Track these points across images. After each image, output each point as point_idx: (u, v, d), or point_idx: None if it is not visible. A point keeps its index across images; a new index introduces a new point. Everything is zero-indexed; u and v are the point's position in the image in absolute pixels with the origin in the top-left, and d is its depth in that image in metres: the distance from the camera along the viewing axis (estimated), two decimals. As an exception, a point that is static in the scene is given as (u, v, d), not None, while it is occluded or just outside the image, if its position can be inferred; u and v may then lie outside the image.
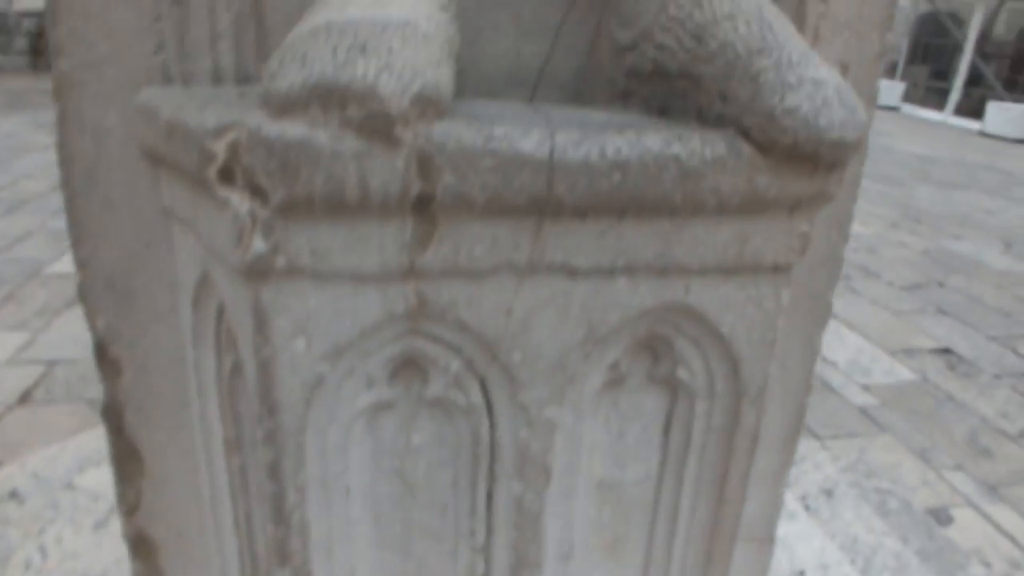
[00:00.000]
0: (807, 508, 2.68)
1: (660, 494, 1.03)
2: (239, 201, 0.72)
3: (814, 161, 0.77)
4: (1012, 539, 2.62)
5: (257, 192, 0.70)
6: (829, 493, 2.79)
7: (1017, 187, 8.08)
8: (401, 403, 0.89)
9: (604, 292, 0.82)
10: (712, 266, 0.84)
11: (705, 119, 0.81)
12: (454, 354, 0.85)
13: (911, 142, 9.98)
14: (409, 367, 0.87)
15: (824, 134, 0.74)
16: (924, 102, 11.43)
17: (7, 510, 2.25)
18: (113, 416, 1.13)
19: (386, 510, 0.93)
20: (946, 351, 4.31)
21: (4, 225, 5.00)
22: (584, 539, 1.03)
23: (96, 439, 2.54)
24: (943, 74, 11.39)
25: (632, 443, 1.00)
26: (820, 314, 1.26)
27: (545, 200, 0.73)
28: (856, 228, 5.76)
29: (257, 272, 0.74)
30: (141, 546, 1.18)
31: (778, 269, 0.86)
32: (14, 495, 2.31)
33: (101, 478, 2.39)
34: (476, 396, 0.87)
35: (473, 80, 1.05)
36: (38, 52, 11.36)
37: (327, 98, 0.65)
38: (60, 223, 4.72)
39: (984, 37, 10.86)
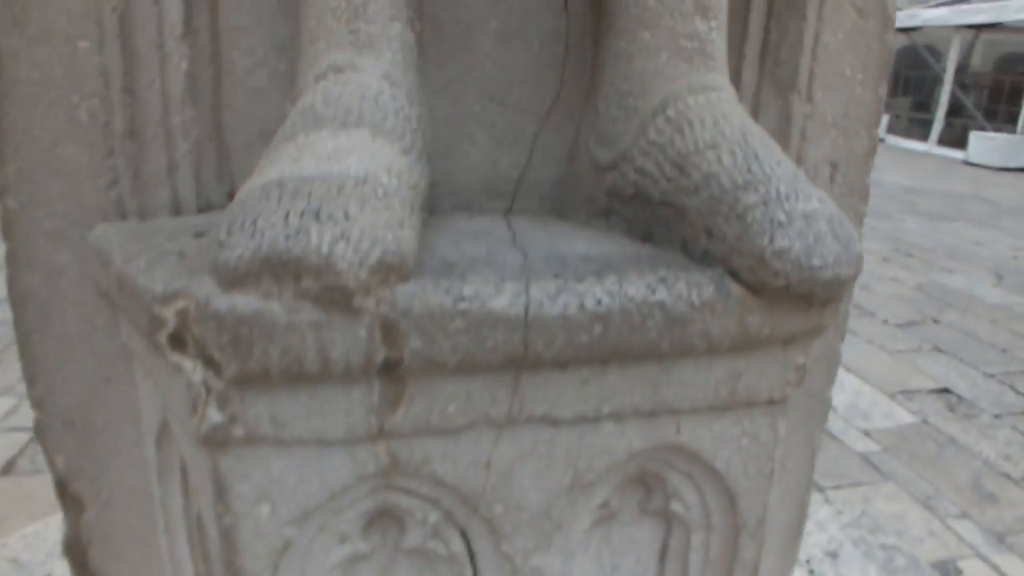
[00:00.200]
0: (812, 573, 2.60)
1: (659, 627, 0.96)
2: (192, 368, 0.66)
3: (808, 300, 0.72)
4: (1021, 591, 2.55)
5: (210, 363, 0.65)
6: (834, 555, 2.71)
7: (1004, 217, 8.11)
8: (378, 553, 0.83)
9: (589, 438, 0.77)
10: (704, 406, 0.79)
11: (691, 253, 0.77)
12: (431, 506, 0.79)
13: (898, 173, 10.02)
14: (384, 516, 0.81)
15: (818, 274, 0.69)
16: (908, 133, 11.54)
17: (-15, 598, 2.16)
18: (76, 552, 1.06)
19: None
20: (945, 391, 4.26)
21: (-13, 290, 4.93)
22: None
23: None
24: (924, 105, 11.53)
25: (626, 575, 0.94)
26: (819, 412, 1.20)
27: (522, 357, 0.68)
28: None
29: (214, 442, 0.68)
30: None
31: (774, 402, 0.81)
32: (-8, 584, 2.22)
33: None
34: (457, 546, 0.82)
35: (449, 192, 1.00)
36: None
37: (280, 270, 0.60)
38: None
39: (962, 69, 11.02)
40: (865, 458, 3.44)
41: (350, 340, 0.64)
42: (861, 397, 4.08)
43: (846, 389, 4.11)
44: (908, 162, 10.61)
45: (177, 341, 0.66)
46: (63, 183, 0.85)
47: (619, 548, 0.92)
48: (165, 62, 0.85)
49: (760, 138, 0.77)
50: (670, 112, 0.79)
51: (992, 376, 4.42)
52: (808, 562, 2.67)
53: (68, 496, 1.02)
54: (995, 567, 2.69)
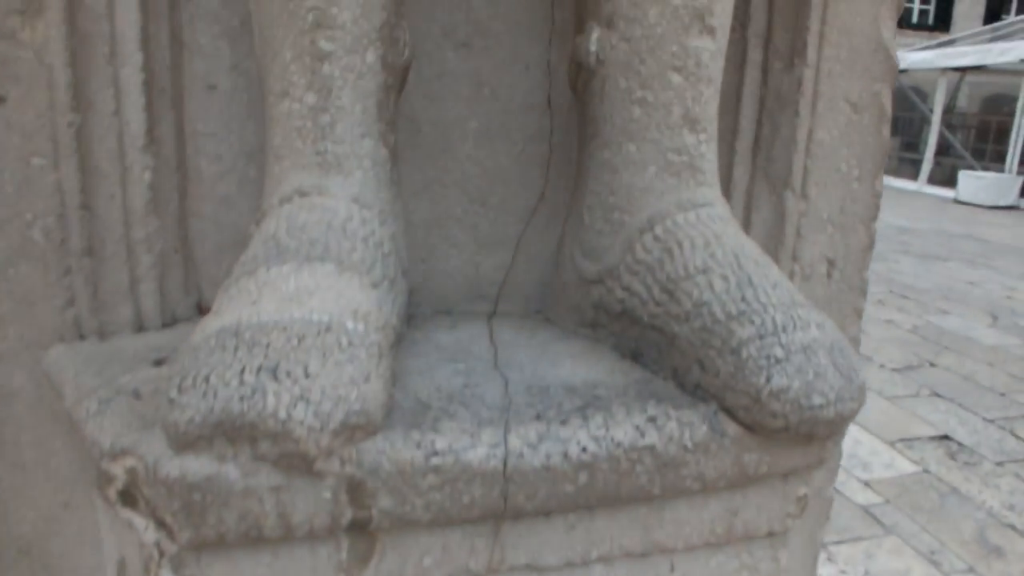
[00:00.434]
0: (817, 641, 2.51)
1: None
2: (144, 528, 0.61)
3: (809, 437, 0.67)
4: (1033, 653, 2.46)
5: (163, 525, 0.59)
6: (840, 619, 2.63)
7: (996, 256, 8.11)
8: None
9: (578, 583, 0.71)
10: (699, 543, 0.73)
11: (682, 382, 0.72)
12: (408, 656, 0.73)
13: (890, 213, 10.05)
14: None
15: (819, 413, 0.65)
16: (898, 172, 11.63)
17: None
18: None
19: None
20: (945, 438, 4.19)
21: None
22: None
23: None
24: (913, 145, 11.65)
25: None
26: (822, 511, 1.15)
27: (501, 511, 0.63)
28: (843, 309, 5.68)
29: (167, 605, 0.62)
30: None
31: (774, 534, 0.76)
32: None
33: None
34: None
35: (430, 296, 0.96)
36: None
37: (234, 434, 0.55)
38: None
39: (949, 109, 11.16)
40: (867, 511, 3.36)
41: (313, 503, 0.58)
42: (861, 446, 4.02)
43: (846, 438, 4.03)
44: (900, 201, 10.65)
45: (128, 498, 0.61)
46: (16, 304, 0.80)
47: None
48: (127, 174, 0.81)
49: (754, 258, 0.72)
50: (658, 231, 0.74)
51: (992, 421, 4.36)
52: (812, 629, 2.58)
53: (24, 623, 0.96)
54: (1004, 625, 2.61)
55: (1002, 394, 4.70)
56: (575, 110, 0.90)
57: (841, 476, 3.65)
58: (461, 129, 0.91)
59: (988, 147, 10.84)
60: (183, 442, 0.56)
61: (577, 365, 0.78)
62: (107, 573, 0.90)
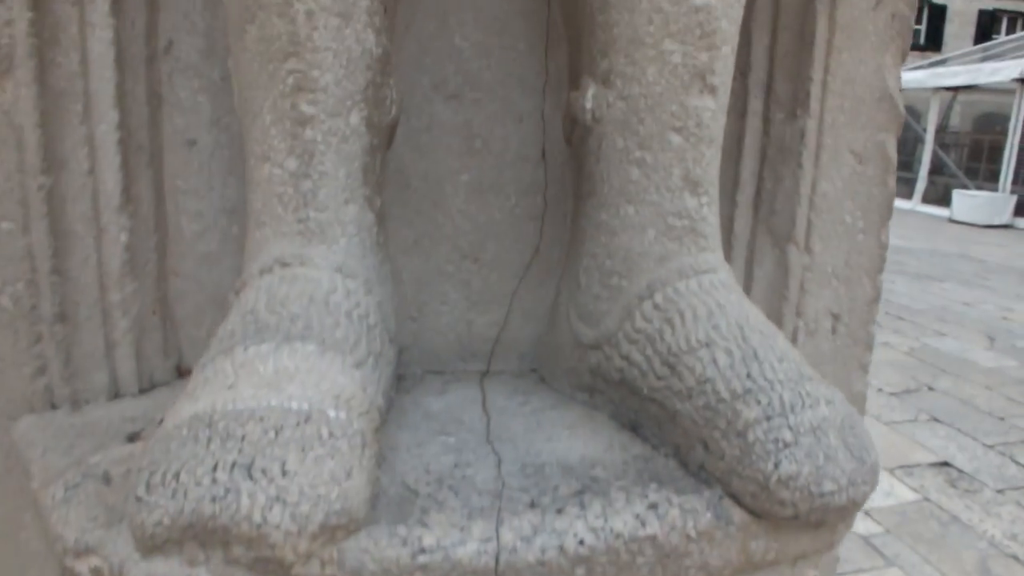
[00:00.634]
0: None
1: None
2: (109, 629, 0.57)
3: (819, 524, 0.63)
4: None
5: (128, 629, 0.55)
6: (842, 660, 2.57)
7: (991, 276, 8.11)
8: None
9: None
10: (704, 630, 0.69)
11: (685, 461, 0.68)
12: None
13: (885, 230, 9.97)
14: None
15: (830, 500, 0.61)
16: (893, 191, 11.60)
17: None
18: None
19: None
20: (945, 465, 4.15)
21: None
22: None
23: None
24: (907, 164, 11.67)
25: None
26: (829, 566, 1.11)
27: (494, 608, 0.59)
28: (840, 331, 5.65)
29: None
30: None
31: (783, 617, 0.72)
32: None
33: None
34: None
35: (421, 355, 0.92)
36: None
37: (206, 537, 0.51)
38: None
39: (941, 128, 11.20)
40: (868, 541, 3.31)
41: (291, 607, 0.54)
42: (860, 473, 3.96)
43: (844, 466, 3.98)
44: (895, 220, 10.56)
45: (92, 598, 0.57)
46: (-17, 374, 0.76)
47: None
48: (102, 236, 0.77)
49: (759, 329, 0.69)
50: (658, 299, 0.71)
51: (991, 447, 4.32)
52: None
53: None
54: (1009, 660, 2.56)
55: (1001, 418, 4.67)
56: (570, 163, 0.87)
57: (841, 504, 3.59)
58: (452, 183, 0.88)
59: (981, 166, 10.88)
60: (151, 545, 0.52)
61: (574, 438, 0.74)
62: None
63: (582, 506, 0.62)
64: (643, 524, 0.61)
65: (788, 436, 0.61)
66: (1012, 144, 9.74)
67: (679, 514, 0.62)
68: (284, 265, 0.66)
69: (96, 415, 0.78)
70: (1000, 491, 3.98)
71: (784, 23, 0.88)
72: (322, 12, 0.62)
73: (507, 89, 0.86)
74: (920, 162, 10.75)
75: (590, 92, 0.73)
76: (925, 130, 10.51)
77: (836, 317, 0.97)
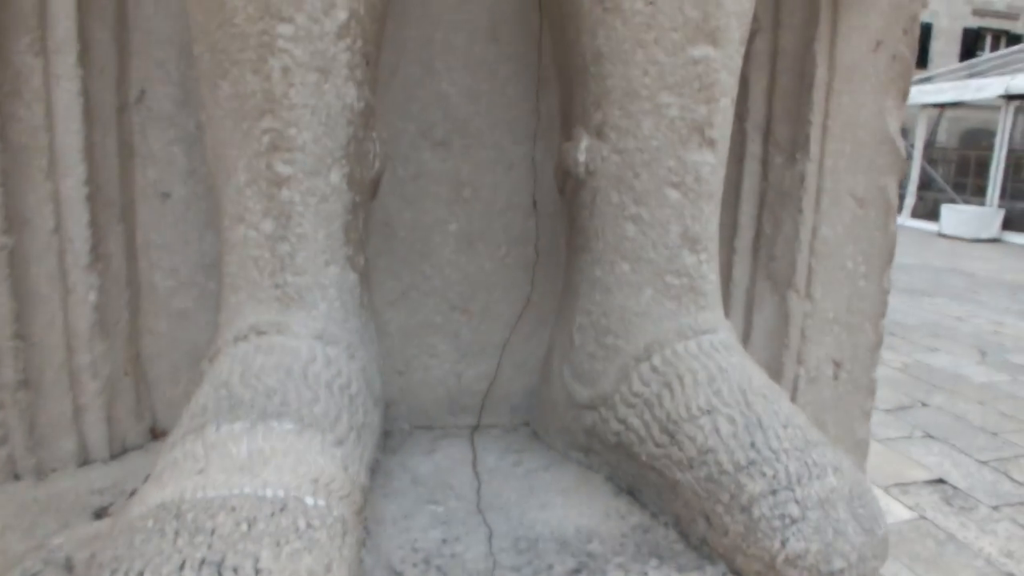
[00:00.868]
0: None
1: None
2: None
3: (831, 604, 0.60)
4: None
5: None
6: None
7: (981, 290, 8.12)
8: None
9: None
10: None
11: (686, 534, 0.64)
12: None
13: (874, 243, 9.98)
14: None
15: (842, 581, 0.57)
16: (882, 206, 11.63)
17: None
18: None
19: None
20: (940, 482, 4.12)
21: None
22: None
23: None
24: (897, 179, 11.72)
25: None
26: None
27: None
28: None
29: None
30: None
31: None
32: None
33: None
34: None
35: (408, 411, 0.88)
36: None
37: (171, 646, 0.47)
38: None
39: (929, 144, 11.26)
40: (864, 563, 3.27)
41: None
42: (855, 493, 3.93)
43: (840, 486, 3.94)
44: (884, 233, 10.65)
45: None
46: (-59, 445, 0.72)
47: None
48: (69, 296, 0.73)
49: (763, 393, 0.65)
50: (656, 361, 0.67)
51: (985, 463, 4.30)
52: None
53: None
54: None
55: (994, 434, 4.64)
56: (563, 212, 0.83)
57: (837, 525, 3.56)
58: (440, 232, 0.84)
59: (969, 181, 10.93)
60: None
61: (569, 506, 0.70)
62: None
63: (579, 589, 0.58)
64: (644, 612, 0.57)
65: (795, 511, 0.58)
66: (998, 159, 9.79)
67: (683, 600, 0.58)
68: (260, 333, 0.62)
69: (62, 486, 0.73)
70: (995, 508, 3.95)
71: (782, 65, 0.85)
72: (299, 68, 0.59)
73: (496, 135, 0.83)
74: (909, 178, 10.80)
75: (583, 144, 0.70)
76: (913, 146, 10.57)
77: (838, 364, 0.94)
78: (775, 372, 0.91)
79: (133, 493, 0.72)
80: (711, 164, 0.67)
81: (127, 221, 0.77)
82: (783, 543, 0.57)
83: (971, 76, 10.48)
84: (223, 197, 0.65)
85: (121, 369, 0.78)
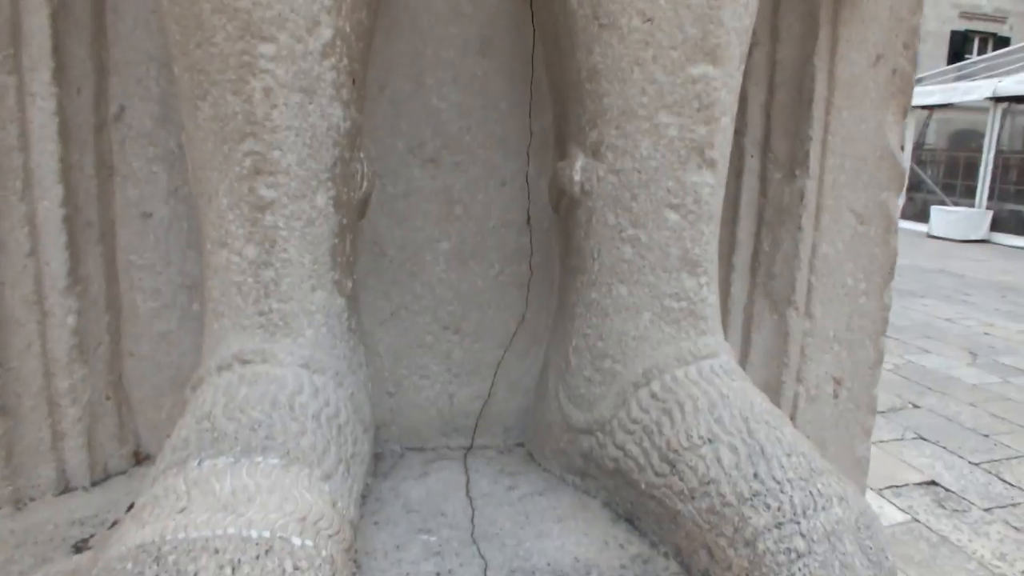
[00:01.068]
0: None
1: None
2: None
3: (837, 641, 0.57)
4: None
5: None
6: None
7: (971, 291, 8.15)
8: None
9: None
10: None
11: (687, 566, 0.62)
12: None
13: (864, 244, 9.99)
14: None
15: (850, 619, 0.55)
16: (872, 207, 11.66)
17: None
18: None
19: None
20: (932, 484, 4.12)
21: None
22: None
23: None
24: (887, 180, 11.73)
25: None
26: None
27: None
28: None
29: None
30: None
31: None
32: None
33: None
34: None
35: (400, 432, 0.86)
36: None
37: None
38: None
39: (919, 146, 11.29)
40: (857, 567, 3.26)
41: None
42: (848, 496, 3.92)
43: (833, 489, 3.94)
44: (874, 234, 10.67)
45: None
46: (-87, 476, 0.69)
47: None
48: (46, 320, 0.71)
49: (766, 420, 0.63)
50: (655, 387, 0.65)
51: (977, 465, 4.30)
52: None
53: None
54: None
55: (985, 435, 4.65)
56: (557, 228, 0.81)
57: (830, 529, 3.55)
58: (431, 251, 0.82)
59: (958, 182, 10.96)
60: None
61: (566, 534, 0.68)
62: None
63: (577, 632, 0.56)
64: (645, 652, 0.55)
65: (801, 545, 0.56)
66: (987, 161, 9.85)
67: (684, 639, 0.56)
68: (244, 362, 0.60)
69: (40, 516, 0.71)
70: (987, 510, 3.95)
71: (781, 79, 0.83)
72: (281, 89, 0.56)
73: (489, 152, 0.81)
74: (898, 179, 10.82)
75: (578, 164, 0.68)
76: (903, 147, 10.60)
77: (838, 382, 0.92)
78: (774, 391, 0.89)
79: (115, 524, 0.69)
80: (711, 185, 0.65)
81: (107, 242, 0.74)
82: (788, 579, 0.55)
83: (959, 78, 10.53)
84: (205, 221, 0.62)
85: (102, 393, 0.75)
